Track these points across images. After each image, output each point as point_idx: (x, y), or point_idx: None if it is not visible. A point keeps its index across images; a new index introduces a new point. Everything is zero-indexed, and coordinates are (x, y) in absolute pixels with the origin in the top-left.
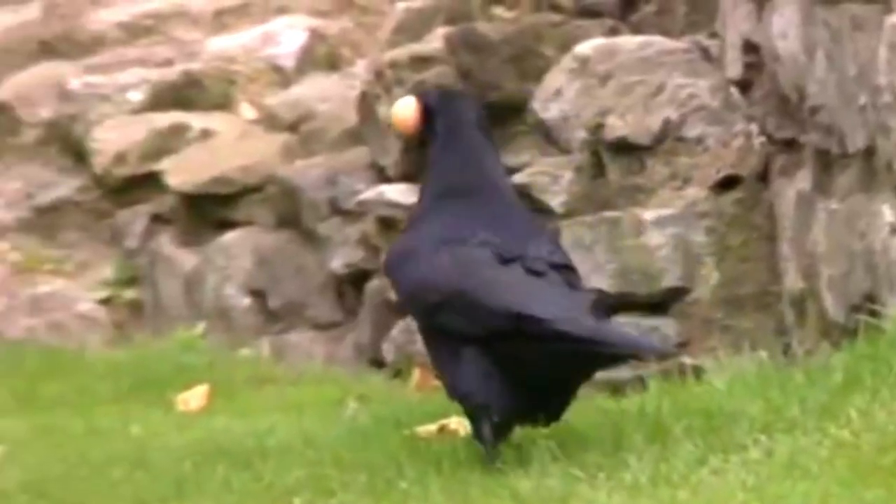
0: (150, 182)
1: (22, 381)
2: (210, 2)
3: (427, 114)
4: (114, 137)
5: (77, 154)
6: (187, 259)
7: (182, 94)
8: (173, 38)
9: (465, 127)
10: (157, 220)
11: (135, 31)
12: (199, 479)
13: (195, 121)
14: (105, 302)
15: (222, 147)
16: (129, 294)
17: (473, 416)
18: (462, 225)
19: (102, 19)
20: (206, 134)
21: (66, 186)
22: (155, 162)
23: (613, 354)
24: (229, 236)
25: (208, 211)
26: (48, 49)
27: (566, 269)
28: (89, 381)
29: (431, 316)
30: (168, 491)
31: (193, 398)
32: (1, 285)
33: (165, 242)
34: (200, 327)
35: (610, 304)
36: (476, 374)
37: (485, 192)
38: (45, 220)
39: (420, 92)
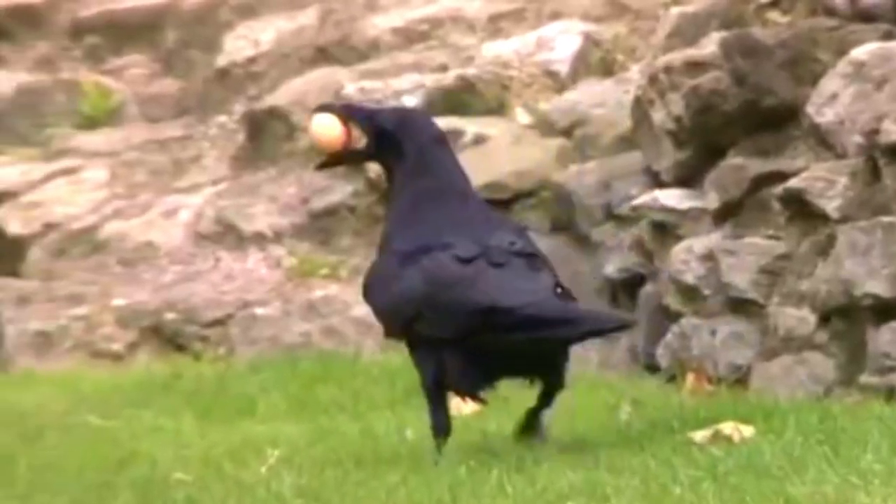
0: None
1: (297, 385)
2: (485, 7)
3: (380, 134)
4: None
5: None
6: None
7: (457, 98)
8: (448, 43)
9: (430, 144)
10: None
11: (410, 36)
12: (473, 483)
13: (470, 126)
14: None
15: (496, 152)
16: None
17: (431, 406)
18: (425, 234)
19: (378, 25)
20: (480, 139)
21: (340, 191)
22: None
23: (582, 332)
24: None
25: None
26: (324, 54)
27: (529, 256)
28: (364, 385)
29: (410, 327)
30: (443, 495)
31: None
32: (276, 291)
33: None
34: None
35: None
36: (454, 372)
37: (447, 199)
38: (320, 225)
39: (340, 110)
